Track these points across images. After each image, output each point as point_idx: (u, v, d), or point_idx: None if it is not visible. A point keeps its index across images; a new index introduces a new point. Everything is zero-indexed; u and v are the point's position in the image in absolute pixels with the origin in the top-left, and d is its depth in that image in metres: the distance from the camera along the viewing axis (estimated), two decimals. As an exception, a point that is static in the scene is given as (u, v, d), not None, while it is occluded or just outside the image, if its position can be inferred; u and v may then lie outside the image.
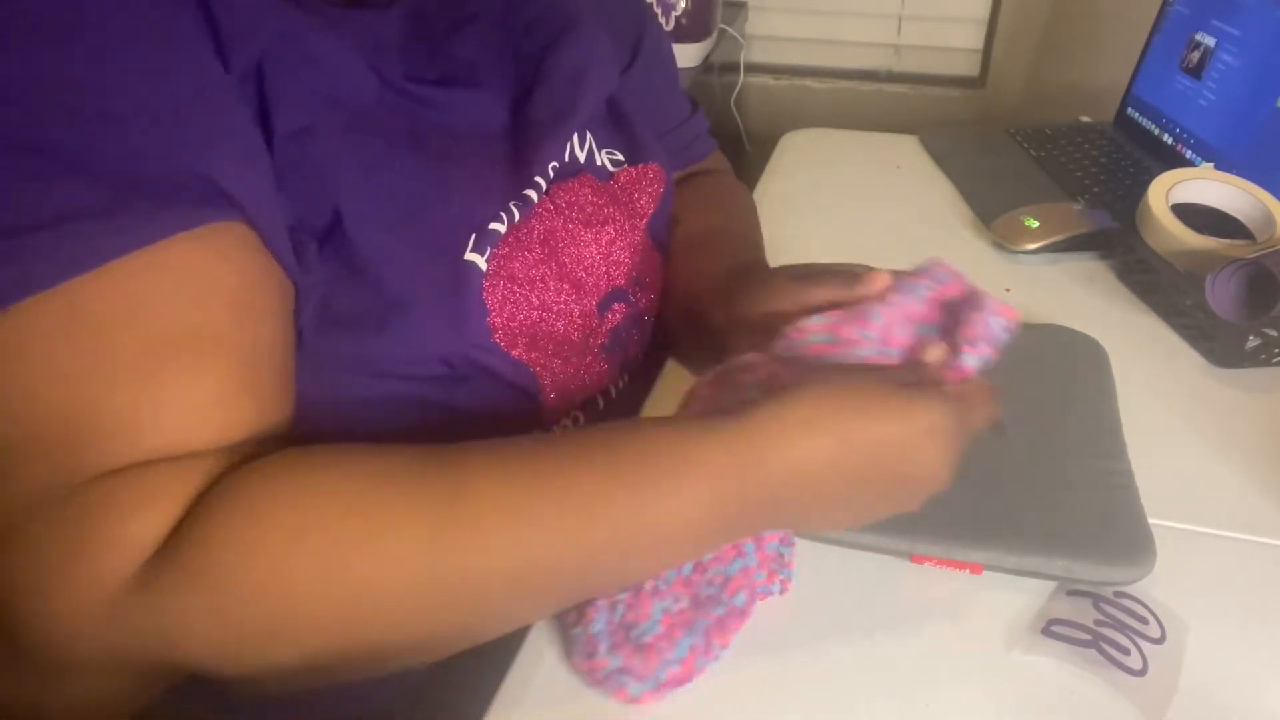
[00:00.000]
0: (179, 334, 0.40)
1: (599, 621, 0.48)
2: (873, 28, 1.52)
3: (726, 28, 1.42)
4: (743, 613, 0.49)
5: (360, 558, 0.39)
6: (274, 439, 0.44)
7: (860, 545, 0.54)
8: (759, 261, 0.69)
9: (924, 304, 0.52)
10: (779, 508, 0.44)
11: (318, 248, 0.48)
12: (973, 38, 1.50)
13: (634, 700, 0.46)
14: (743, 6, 1.51)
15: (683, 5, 1.25)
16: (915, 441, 0.44)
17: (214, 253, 0.42)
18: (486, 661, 0.50)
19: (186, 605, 0.38)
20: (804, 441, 0.42)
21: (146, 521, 0.38)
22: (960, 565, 0.53)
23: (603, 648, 0.47)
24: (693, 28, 1.27)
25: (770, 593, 0.51)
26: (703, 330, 0.64)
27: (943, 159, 1.05)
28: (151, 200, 0.40)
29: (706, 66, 1.32)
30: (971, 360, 0.49)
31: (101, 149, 0.39)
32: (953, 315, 0.52)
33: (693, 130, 0.82)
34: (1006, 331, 0.50)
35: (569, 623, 0.49)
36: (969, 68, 1.53)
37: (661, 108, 0.79)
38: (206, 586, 0.38)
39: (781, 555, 0.51)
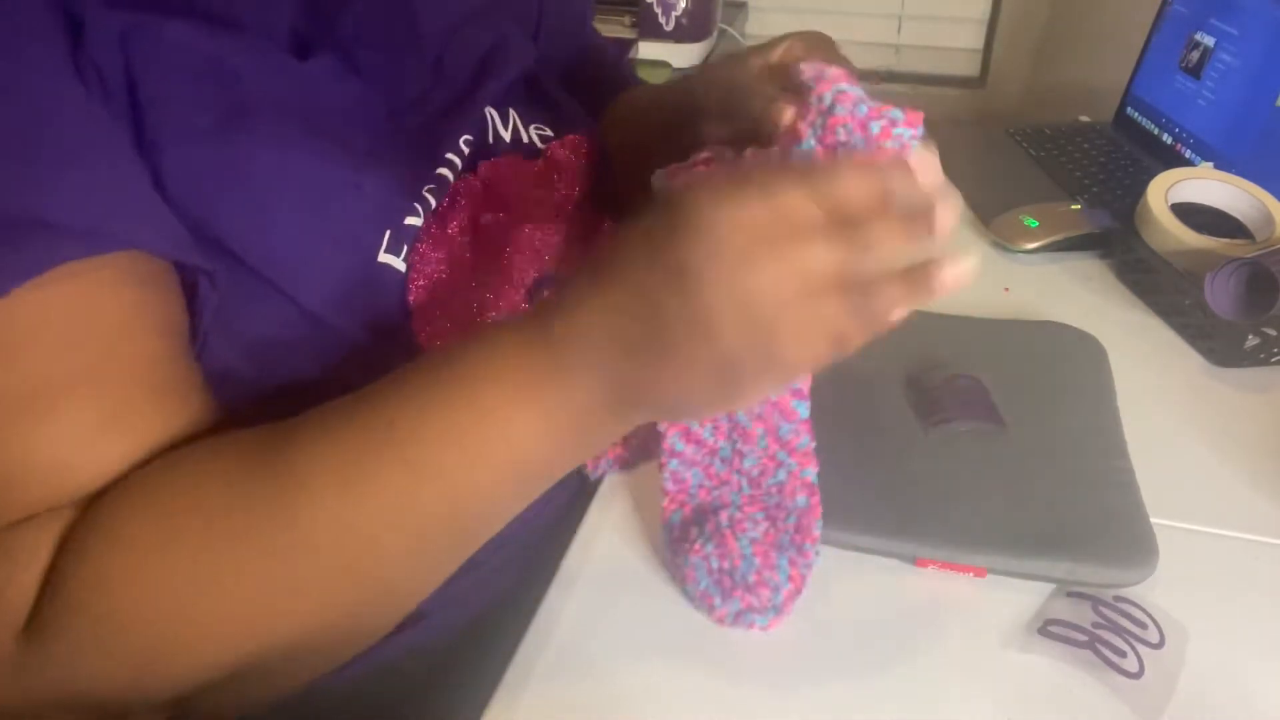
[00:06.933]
0: (38, 383, 0.39)
1: (701, 581, 0.50)
2: (873, 28, 1.52)
3: (726, 28, 1.42)
4: (811, 510, 0.50)
5: (220, 568, 0.39)
6: (177, 443, 0.42)
7: (865, 549, 0.54)
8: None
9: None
10: (610, 390, 0.38)
11: (228, 264, 0.44)
12: (973, 38, 1.50)
13: (765, 629, 0.49)
14: (743, 6, 1.52)
15: (683, 5, 1.25)
16: (700, 262, 0.35)
17: (88, 286, 0.40)
18: (486, 657, 0.50)
19: (74, 644, 0.38)
20: (591, 300, 0.38)
21: (17, 578, 0.38)
22: (964, 569, 0.53)
23: (717, 599, 0.49)
24: (693, 28, 1.27)
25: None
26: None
27: (942, 159, 1.04)
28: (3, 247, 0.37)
29: (707, 67, 1.32)
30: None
31: None
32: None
33: (623, 75, 0.78)
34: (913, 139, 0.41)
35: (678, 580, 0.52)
36: (969, 68, 1.53)
37: (581, 59, 0.74)
38: (89, 621, 0.38)
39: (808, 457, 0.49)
